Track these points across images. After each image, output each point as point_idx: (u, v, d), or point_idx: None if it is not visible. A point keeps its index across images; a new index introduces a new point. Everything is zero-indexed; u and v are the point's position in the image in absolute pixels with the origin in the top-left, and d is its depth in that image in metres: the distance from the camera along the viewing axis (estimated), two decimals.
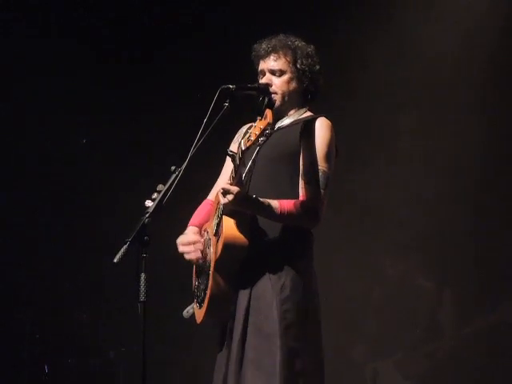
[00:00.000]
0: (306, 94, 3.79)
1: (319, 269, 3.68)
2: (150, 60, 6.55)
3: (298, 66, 3.74)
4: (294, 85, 3.74)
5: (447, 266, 6.07)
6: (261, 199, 3.50)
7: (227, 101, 3.56)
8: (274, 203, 3.51)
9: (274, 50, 3.74)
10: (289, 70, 3.73)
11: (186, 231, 3.82)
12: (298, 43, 3.78)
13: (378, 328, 6.22)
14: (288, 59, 3.74)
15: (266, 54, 3.76)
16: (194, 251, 3.71)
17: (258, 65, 3.81)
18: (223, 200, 3.46)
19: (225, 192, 3.44)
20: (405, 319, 6.11)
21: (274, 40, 3.78)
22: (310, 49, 3.80)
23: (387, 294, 6.26)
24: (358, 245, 6.10)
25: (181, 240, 3.75)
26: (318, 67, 3.78)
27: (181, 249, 3.73)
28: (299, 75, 3.74)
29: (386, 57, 6.05)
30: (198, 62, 6.38)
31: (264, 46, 3.78)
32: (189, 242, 3.72)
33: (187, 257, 3.73)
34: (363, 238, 6.13)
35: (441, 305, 6.16)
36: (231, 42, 6.18)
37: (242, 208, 3.51)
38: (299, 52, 3.76)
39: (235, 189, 3.44)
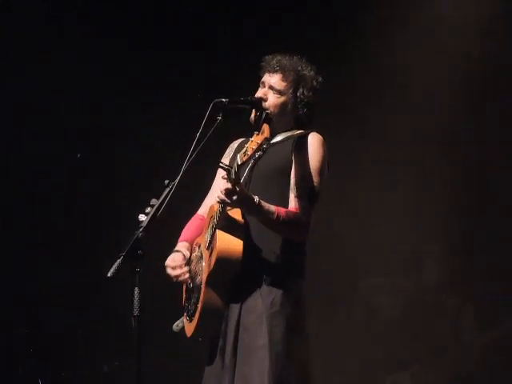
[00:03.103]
0: (298, 120, 3.79)
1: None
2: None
3: (298, 94, 3.74)
4: (287, 110, 3.75)
5: (468, 279, 6.06)
6: (261, 201, 3.49)
7: (220, 114, 3.56)
8: (272, 208, 3.52)
9: (281, 70, 3.74)
10: (287, 94, 3.74)
11: (177, 247, 3.82)
12: (307, 72, 3.77)
13: (397, 339, 6.18)
14: (290, 84, 3.74)
15: (272, 70, 3.76)
16: (183, 274, 3.72)
17: (263, 75, 3.82)
18: (228, 199, 3.41)
19: (230, 192, 3.41)
20: (424, 330, 6.09)
21: (285, 59, 3.78)
22: (316, 81, 3.78)
23: (407, 304, 6.25)
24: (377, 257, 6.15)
25: (170, 264, 3.75)
26: (317, 100, 3.78)
27: (170, 272, 3.74)
28: (296, 103, 3.75)
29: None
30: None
31: (275, 60, 3.78)
32: (177, 266, 3.73)
33: (177, 279, 3.75)
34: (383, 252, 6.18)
35: (460, 316, 6.12)
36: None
37: (245, 208, 3.50)
38: (304, 81, 3.75)
39: (232, 188, 3.41)
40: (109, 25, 6.48)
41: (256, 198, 3.48)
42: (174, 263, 3.74)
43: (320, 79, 3.80)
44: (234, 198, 3.41)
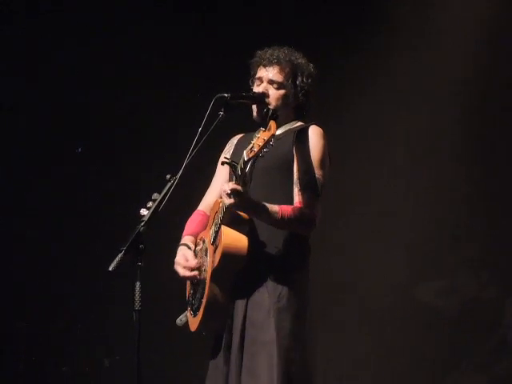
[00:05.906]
0: (298, 109, 3.79)
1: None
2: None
3: (298, 82, 3.74)
4: (289, 100, 3.74)
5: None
6: (263, 203, 3.50)
7: (222, 109, 3.56)
8: (275, 208, 3.51)
9: (278, 62, 3.73)
10: (288, 85, 3.73)
11: (183, 241, 3.80)
12: (301, 60, 3.78)
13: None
14: (289, 74, 3.73)
15: (269, 64, 3.75)
16: (193, 275, 3.69)
17: (257, 71, 3.80)
18: (229, 201, 3.42)
19: (233, 193, 3.41)
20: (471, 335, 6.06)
21: (279, 51, 3.77)
22: (311, 68, 3.79)
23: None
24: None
25: (183, 264, 3.70)
26: (315, 88, 3.78)
27: (180, 271, 3.69)
28: (296, 92, 3.74)
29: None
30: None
31: (268, 54, 3.77)
32: (189, 267, 3.68)
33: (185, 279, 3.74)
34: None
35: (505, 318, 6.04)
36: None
37: (246, 210, 3.50)
38: (301, 70, 3.75)
39: (242, 190, 3.42)
40: (110, 24, 6.49)
41: (258, 202, 3.48)
42: (187, 264, 3.68)
43: (312, 65, 3.80)
44: (237, 199, 3.40)
